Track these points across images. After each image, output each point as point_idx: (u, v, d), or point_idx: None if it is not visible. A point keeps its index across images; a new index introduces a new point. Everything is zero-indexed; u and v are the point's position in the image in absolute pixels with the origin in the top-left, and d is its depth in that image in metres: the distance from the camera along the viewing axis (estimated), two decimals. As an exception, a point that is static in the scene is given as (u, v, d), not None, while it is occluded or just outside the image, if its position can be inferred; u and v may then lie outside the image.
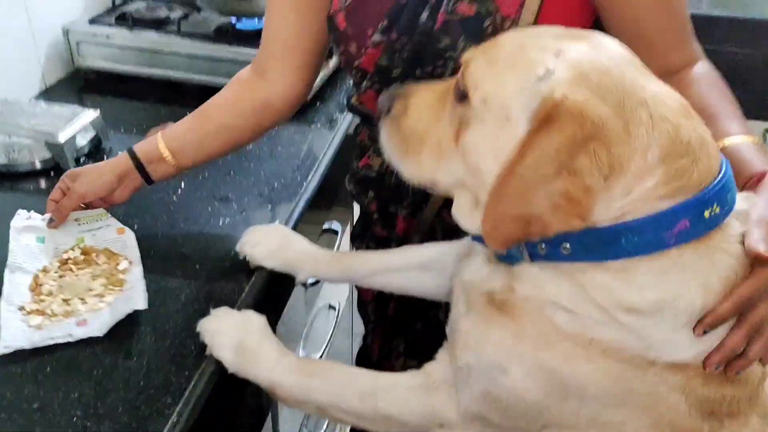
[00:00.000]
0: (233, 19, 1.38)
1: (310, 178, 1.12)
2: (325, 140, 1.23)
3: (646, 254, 0.57)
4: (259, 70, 0.96)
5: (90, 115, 1.12)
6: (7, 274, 0.84)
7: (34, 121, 1.10)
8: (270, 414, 1.02)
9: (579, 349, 0.60)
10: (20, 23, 1.28)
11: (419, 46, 0.83)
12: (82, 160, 1.12)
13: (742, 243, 0.59)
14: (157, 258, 0.91)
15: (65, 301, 0.81)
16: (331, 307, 1.34)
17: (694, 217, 0.57)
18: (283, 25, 0.93)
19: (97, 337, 0.76)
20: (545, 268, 0.60)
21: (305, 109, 1.30)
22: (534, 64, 0.58)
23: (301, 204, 1.05)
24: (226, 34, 1.36)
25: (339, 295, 1.37)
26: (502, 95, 0.59)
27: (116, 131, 1.22)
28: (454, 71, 0.75)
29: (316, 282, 1.18)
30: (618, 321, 0.58)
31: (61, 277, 0.85)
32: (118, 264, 0.87)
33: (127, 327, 0.79)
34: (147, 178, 0.94)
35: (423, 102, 0.68)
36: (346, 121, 1.30)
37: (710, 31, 1.97)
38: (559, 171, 0.54)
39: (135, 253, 0.90)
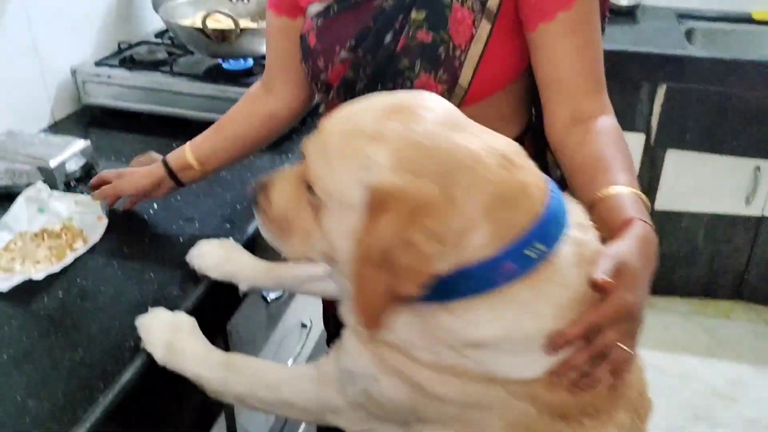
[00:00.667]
0: (221, 61, 1.52)
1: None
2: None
3: (480, 294, 0.65)
4: (266, 86, 1.12)
5: (81, 144, 1.26)
6: None
7: (32, 149, 1.24)
8: (224, 411, 1.12)
9: (435, 373, 0.69)
10: (33, 64, 1.45)
11: (382, 65, 0.94)
12: (72, 184, 1.26)
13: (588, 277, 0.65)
14: (118, 259, 1.05)
15: (13, 260, 1.02)
16: (303, 325, 1.44)
17: (517, 258, 0.64)
18: (278, 49, 1.08)
19: (49, 328, 0.89)
20: (400, 312, 0.67)
21: (281, 140, 1.42)
22: (357, 153, 0.65)
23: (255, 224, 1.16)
24: (213, 74, 1.50)
25: (312, 312, 1.46)
26: (338, 188, 0.66)
27: (108, 159, 1.36)
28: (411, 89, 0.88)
29: (279, 297, 1.28)
30: (465, 356, 0.67)
31: (31, 241, 1.06)
32: (74, 242, 1.06)
33: (76, 319, 0.91)
34: (178, 182, 1.11)
35: (283, 191, 0.74)
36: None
37: (699, 72, 2.05)
38: (398, 248, 0.61)
39: (95, 237, 1.09)
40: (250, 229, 1.14)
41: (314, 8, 0.99)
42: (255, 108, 1.12)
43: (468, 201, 0.63)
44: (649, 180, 2.23)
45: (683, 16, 2.40)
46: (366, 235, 0.63)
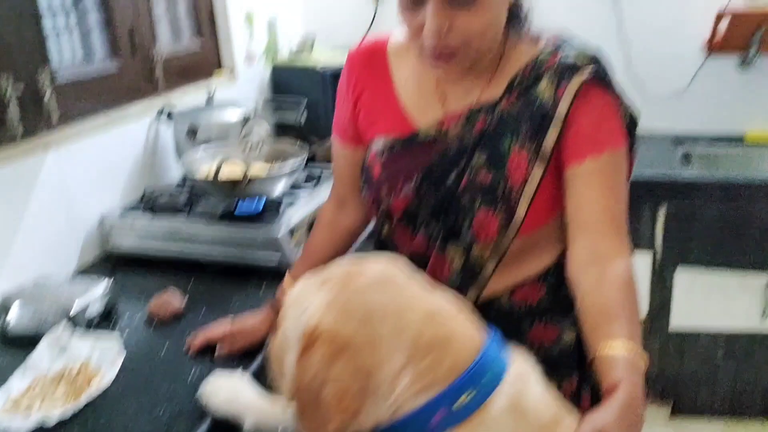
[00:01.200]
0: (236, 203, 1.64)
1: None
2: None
3: None
4: (338, 202, 1.25)
5: (103, 285, 1.36)
6: (18, 371, 1.15)
7: (58, 294, 1.34)
8: None
9: None
10: (64, 214, 1.57)
11: (444, 200, 1.04)
12: (95, 322, 1.34)
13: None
14: (132, 393, 1.11)
15: (32, 403, 1.08)
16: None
17: (448, 406, 0.69)
18: (345, 172, 1.21)
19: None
20: None
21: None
22: (301, 302, 0.77)
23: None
24: (228, 216, 1.61)
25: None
26: (286, 331, 0.78)
27: (128, 298, 1.44)
28: (470, 226, 1.01)
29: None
30: None
31: (50, 383, 1.13)
32: (91, 380, 1.13)
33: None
34: None
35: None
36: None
37: (697, 192, 2.12)
38: (324, 381, 0.69)
39: (111, 375, 1.15)
40: (256, 363, 1.19)
41: (378, 143, 1.10)
42: (334, 230, 1.25)
43: (391, 346, 0.70)
44: (660, 299, 2.24)
45: (679, 140, 2.51)
46: (297, 370, 0.71)
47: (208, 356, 1.21)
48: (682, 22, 2.48)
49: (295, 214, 1.59)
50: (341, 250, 1.26)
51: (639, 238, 2.21)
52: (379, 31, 2.74)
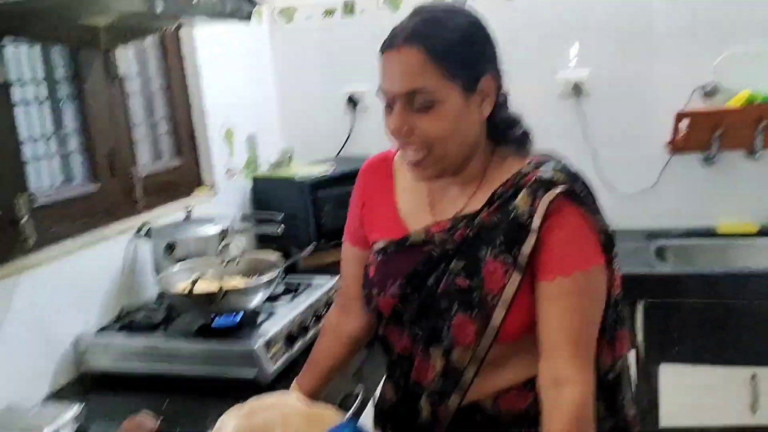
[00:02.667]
0: (213, 317, 1.63)
1: None
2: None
3: None
4: (344, 308, 1.30)
5: (73, 411, 1.33)
6: None
7: (27, 422, 1.31)
8: None
9: None
10: (37, 338, 1.56)
11: (426, 302, 1.09)
12: (63, 453, 1.30)
13: None
14: None
15: None
16: None
17: None
18: (353, 275, 1.25)
19: None
20: None
21: (267, 389, 1.48)
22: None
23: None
24: (205, 332, 1.60)
25: None
26: None
27: (101, 421, 1.41)
28: (449, 329, 1.05)
29: None
30: None
31: None
32: None
33: None
34: None
35: None
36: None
37: (673, 287, 2.15)
38: None
39: None
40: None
41: (378, 245, 1.17)
42: (339, 339, 1.29)
43: None
44: (648, 396, 2.21)
45: (652, 235, 2.56)
46: None
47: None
48: (644, 123, 2.58)
49: (272, 327, 1.59)
50: (346, 355, 1.31)
51: (621, 335, 2.20)
52: (355, 145, 2.84)
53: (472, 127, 1.07)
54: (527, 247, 1.01)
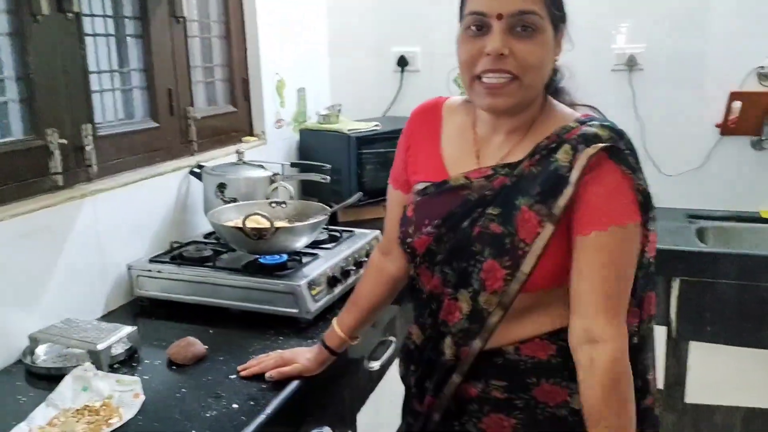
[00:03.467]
0: (258, 256, 1.70)
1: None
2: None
3: None
4: (385, 251, 1.34)
5: (127, 330, 1.41)
6: (42, 405, 1.20)
7: (84, 334, 1.39)
8: None
9: None
10: (95, 261, 1.65)
11: (459, 244, 1.10)
12: (116, 366, 1.38)
13: None
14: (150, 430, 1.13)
15: None
16: None
17: None
18: (394, 218, 1.26)
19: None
20: None
21: (307, 327, 1.55)
22: None
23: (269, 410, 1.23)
24: (251, 268, 1.67)
25: None
26: None
27: (150, 344, 1.49)
28: (479, 273, 1.07)
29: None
30: None
31: (72, 417, 1.17)
32: (111, 418, 1.17)
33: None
34: (335, 355, 1.36)
35: None
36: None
37: (711, 267, 2.15)
38: None
39: (130, 414, 1.19)
40: (269, 409, 1.23)
41: (418, 186, 1.20)
42: (379, 278, 1.34)
43: None
44: (675, 373, 2.23)
45: (694, 216, 2.55)
46: None
47: (223, 398, 1.25)
48: (696, 102, 2.56)
49: (316, 269, 1.65)
50: (386, 296, 1.35)
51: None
52: (402, 106, 2.87)
53: (550, 66, 1.10)
54: (563, 200, 1.03)
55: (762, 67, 2.45)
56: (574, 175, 1.03)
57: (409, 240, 1.17)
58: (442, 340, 1.15)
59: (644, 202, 1.05)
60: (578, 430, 1.05)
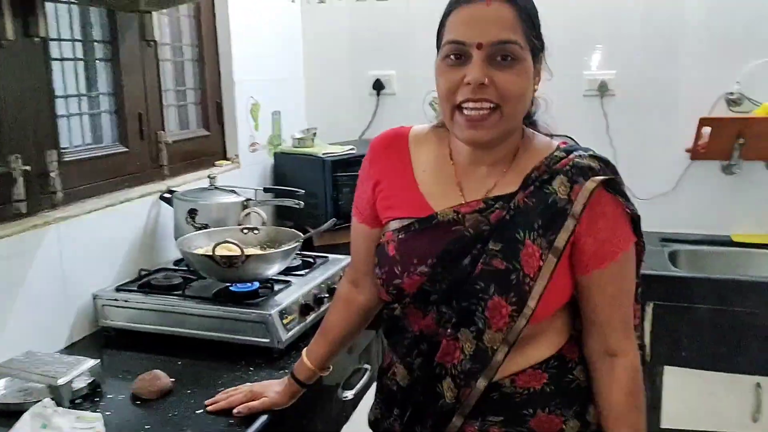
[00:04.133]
0: (229, 284, 1.67)
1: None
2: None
3: None
4: (354, 282, 1.31)
5: (90, 363, 1.36)
6: None
7: (45, 368, 1.34)
8: None
9: None
10: (59, 290, 1.60)
11: (457, 284, 1.07)
12: (77, 401, 1.33)
13: None
14: None
15: None
16: None
17: None
18: (362, 250, 1.26)
19: None
20: None
21: (279, 357, 1.52)
22: None
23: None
24: (222, 297, 1.64)
25: None
26: None
27: (115, 377, 1.44)
28: (483, 311, 1.05)
29: None
30: None
31: None
32: None
33: None
34: (305, 387, 1.34)
35: None
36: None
37: (684, 291, 2.16)
38: None
39: None
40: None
41: (394, 224, 1.15)
42: (349, 309, 1.32)
43: None
44: (651, 398, 2.23)
45: (666, 240, 2.57)
46: None
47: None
48: (667, 127, 2.59)
49: (288, 297, 1.62)
50: (357, 326, 1.33)
51: (629, 336, 2.23)
52: (378, 129, 2.86)
53: (530, 96, 1.10)
54: (566, 233, 1.03)
55: (731, 93, 2.49)
56: (576, 208, 1.03)
57: (396, 281, 1.11)
58: (439, 382, 1.11)
59: (636, 221, 1.09)
60: None
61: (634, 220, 1.08)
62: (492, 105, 1.02)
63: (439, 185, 1.14)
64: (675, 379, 2.22)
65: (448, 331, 1.08)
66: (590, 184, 1.04)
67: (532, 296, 1.03)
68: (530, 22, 1.05)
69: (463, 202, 1.10)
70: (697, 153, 2.53)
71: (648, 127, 2.61)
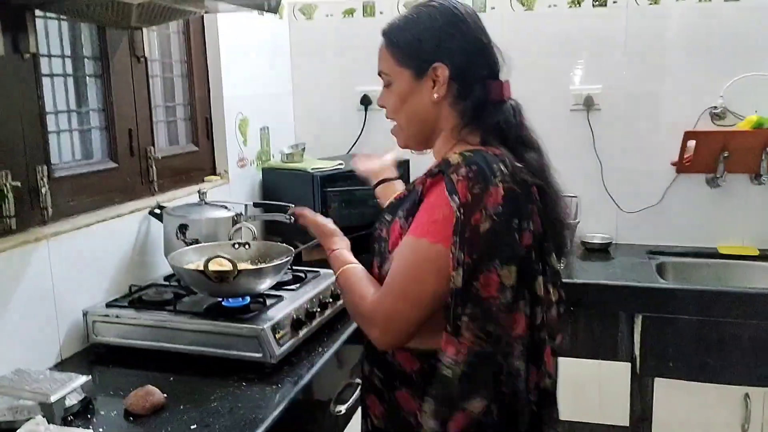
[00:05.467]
0: (221, 299, 1.66)
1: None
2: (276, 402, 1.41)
3: None
4: None
5: (81, 380, 1.35)
6: None
7: (36, 385, 1.32)
8: None
9: None
10: (48, 307, 1.59)
11: (373, 240, 1.30)
12: (69, 418, 1.32)
13: None
14: None
15: None
16: None
17: None
18: None
19: None
20: None
21: (272, 372, 1.51)
22: None
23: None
24: (213, 312, 1.63)
25: None
26: None
27: (106, 394, 1.43)
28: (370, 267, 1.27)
29: None
30: None
31: None
32: None
33: None
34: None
35: None
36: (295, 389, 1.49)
37: (672, 302, 2.17)
38: None
39: None
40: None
41: None
42: None
43: None
44: (641, 409, 2.24)
45: (653, 252, 2.60)
46: None
47: (185, 452, 1.20)
48: (652, 141, 2.63)
49: (280, 312, 1.61)
50: None
51: (617, 349, 2.25)
52: (366, 144, 2.88)
53: (422, 105, 1.24)
54: (412, 216, 1.18)
55: (715, 107, 2.53)
56: (421, 193, 1.18)
57: None
58: None
59: (456, 223, 1.08)
60: None
61: (459, 221, 1.07)
62: (391, 119, 1.31)
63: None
64: (665, 391, 2.23)
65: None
66: (432, 177, 1.16)
67: (387, 263, 1.20)
68: (401, 48, 1.24)
69: None
70: (682, 166, 2.57)
71: (634, 140, 2.65)
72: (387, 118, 1.32)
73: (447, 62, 1.19)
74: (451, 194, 1.08)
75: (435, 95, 1.21)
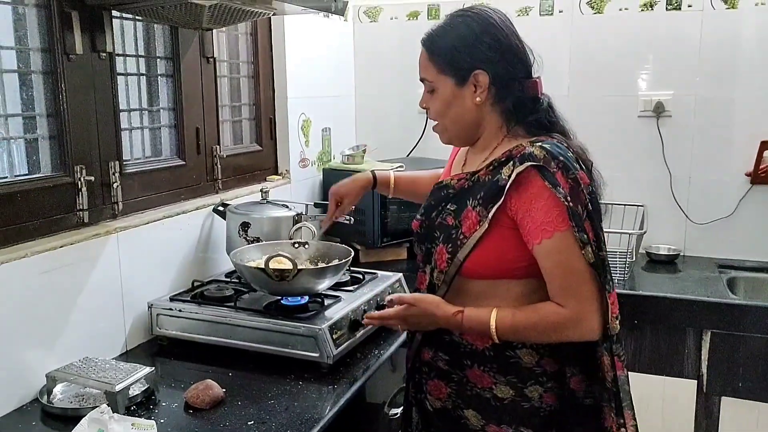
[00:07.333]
0: (280, 297, 1.68)
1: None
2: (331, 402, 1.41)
3: None
4: None
5: (145, 371, 1.38)
6: None
7: (102, 374, 1.37)
8: None
9: None
10: (116, 299, 1.64)
11: (429, 229, 1.36)
12: (132, 407, 1.36)
13: None
14: None
15: None
16: None
17: None
18: None
19: None
20: None
21: (328, 372, 1.52)
22: None
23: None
24: (272, 309, 1.65)
25: None
26: None
27: (168, 386, 1.46)
28: (434, 253, 1.32)
29: None
30: None
31: None
32: None
33: None
34: (374, 187, 1.71)
35: None
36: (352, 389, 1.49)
37: (743, 320, 2.08)
38: None
39: None
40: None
41: None
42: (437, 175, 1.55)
43: None
44: (706, 429, 2.15)
45: (724, 266, 2.49)
46: None
47: (242, 447, 1.22)
48: (726, 150, 2.52)
49: (338, 312, 1.62)
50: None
51: (684, 366, 2.17)
52: (426, 148, 2.87)
53: (466, 109, 1.32)
54: (495, 206, 1.23)
55: (794, 117, 2.41)
56: (506, 185, 1.22)
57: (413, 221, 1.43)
58: None
59: (570, 210, 1.18)
60: (494, 415, 1.29)
61: (570, 208, 1.18)
62: (434, 121, 1.39)
63: (457, 162, 1.46)
64: (732, 411, 2.14)
65: (421, 265, 1.38)
66: (521, 166, 1.21)
67: (462, 251, 1.26)
68: (442, 56, 1.30)
69: (457, 173, 1.38)
70: (757, 177, 2.46)
71: (706, 149, 2.55)
72: (431, 119, 1.40)
73: (486, 68, 1.28)
74: (555, 186, 1.18)
75: (477, 99, 1.30)
